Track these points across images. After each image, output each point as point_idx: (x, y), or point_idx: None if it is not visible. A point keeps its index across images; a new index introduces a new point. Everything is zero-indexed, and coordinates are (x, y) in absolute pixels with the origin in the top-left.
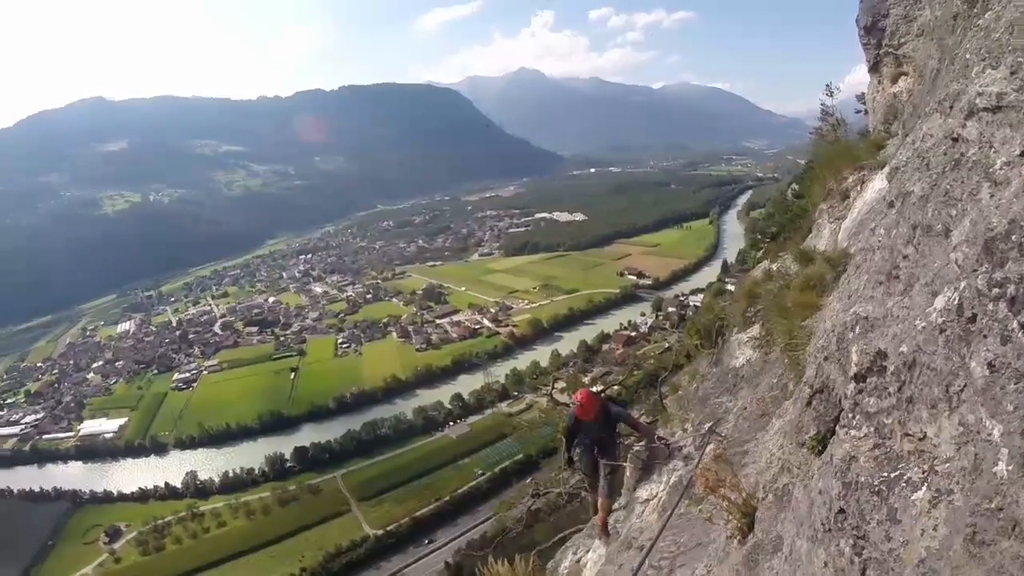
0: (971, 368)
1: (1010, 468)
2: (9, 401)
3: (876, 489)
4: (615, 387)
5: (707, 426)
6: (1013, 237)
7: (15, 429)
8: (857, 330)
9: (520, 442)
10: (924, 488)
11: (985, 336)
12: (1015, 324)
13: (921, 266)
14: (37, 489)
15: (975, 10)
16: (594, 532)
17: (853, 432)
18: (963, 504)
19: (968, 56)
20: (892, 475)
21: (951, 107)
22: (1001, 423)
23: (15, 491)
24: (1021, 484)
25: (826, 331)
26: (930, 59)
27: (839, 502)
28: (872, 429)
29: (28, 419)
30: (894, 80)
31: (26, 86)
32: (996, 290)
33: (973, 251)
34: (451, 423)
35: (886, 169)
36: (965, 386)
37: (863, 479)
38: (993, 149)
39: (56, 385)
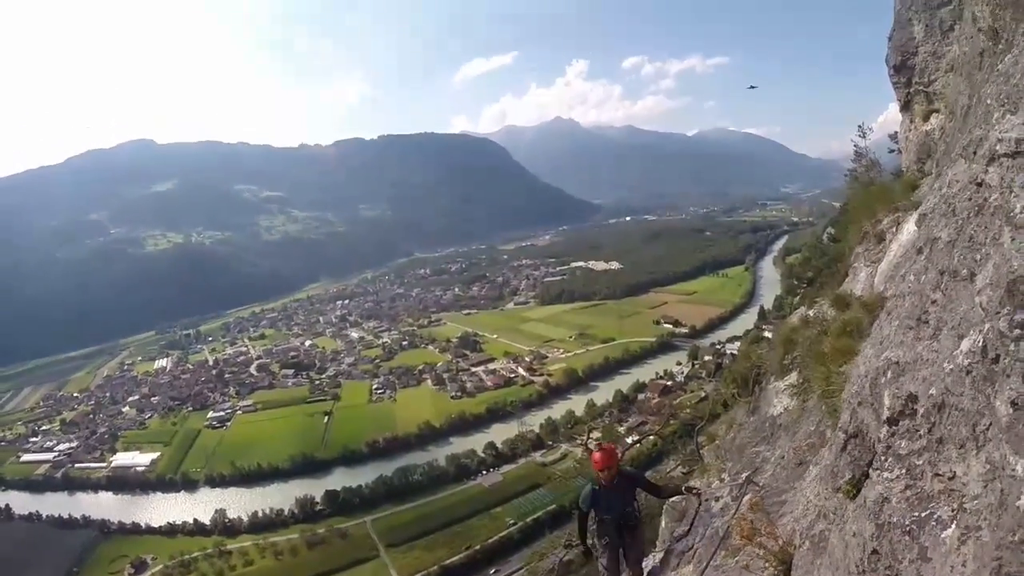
0: (996, 407)
1: None
2: (44, 428)
3: (907, 529)
4: (651, 437)
5: (744, 476)
6: None
7: (48, 456)
8: (889, 375)
9: (553, 492)
10: (953, 526)
11: (1008, 375)
12: None
13: (948, 310)
14: (66, 516)
15: (999, 47)
16: None
17: (886, 474)
18: (990, 539)
19: (989, 102)
20: (923, 514)
21: (975, 153)
22: None
23: (44, 516)
24: None
25: (860, 377)
26: (960, 95)
27: (872, 543)
28: (904, 470)
29: (62, 447)
30: (926, 118)
31: (77, 124)
32: (1018, 331)
33: (996, 294)
34: (484, 471)
35: (914, 216)
36: (990, 425)
37: (895, 519)
38: (1013, 194)
39: (92, 416)
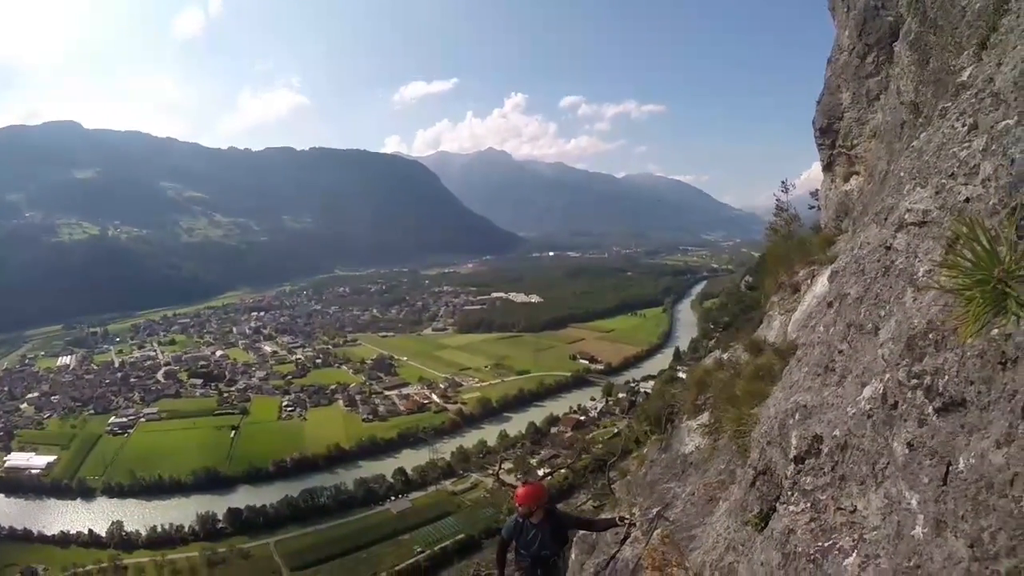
0: (893, 448)
1: (925, 531)
2: None
3: (812, 557)
4: (563, 470)
5: (655, 511)
6: (930, 336)
7: None
8: (797, 417)
9: (463, 521)
10: (854, 554)
11: (905, 420)
12: (930, 409)
13: (853, 360)
14: None
15: (919, 120)
16: None
17: (792, 508)
18: (888, 566)
19: (902, 174)
20: (826, 544)
21: (886, 219)
22: (918, 493)
23: None
24: (935, 543)
25: (769, 418)
26: (880, 161)
27: (779, 572)
28: (809, 504)
29: None
30: (846, 179)
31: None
32: (915, 380)
33: (897, 347)
34: (393, 497)
35: (828, 271)
36: (888, 464)
37: (800, 549)
38: (917, 259)
39: None
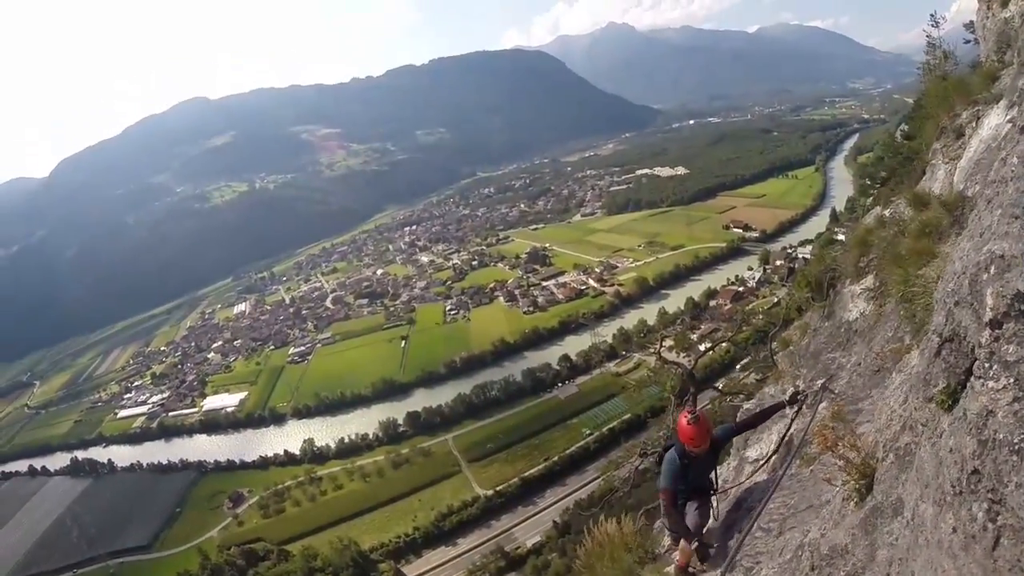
0: None
1: None
2: (136, 384)
3: (1016, 448)
4: (724, 344)
5: (820, 383)
6: None
7: (143, 408)
8: (992, 270)
9: (628, 401)
10: None
11: None
12: None
13: None
14: (165, 462)
15: None
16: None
17: (991, 384)
18: None
19: None
20: None
21: None
22: None
23: (144, 464)
24: None
25: (956, 273)
26: None
27: (973, 462)
28: (1012, 380)
29: (155, 399)
30: (1005, 3)
31: (127, 96)
32: None
33: None
34: (559, 384)
35: (1004, 101)
36: None
37: (1001, 436)
38: None
39: (179, 366)
